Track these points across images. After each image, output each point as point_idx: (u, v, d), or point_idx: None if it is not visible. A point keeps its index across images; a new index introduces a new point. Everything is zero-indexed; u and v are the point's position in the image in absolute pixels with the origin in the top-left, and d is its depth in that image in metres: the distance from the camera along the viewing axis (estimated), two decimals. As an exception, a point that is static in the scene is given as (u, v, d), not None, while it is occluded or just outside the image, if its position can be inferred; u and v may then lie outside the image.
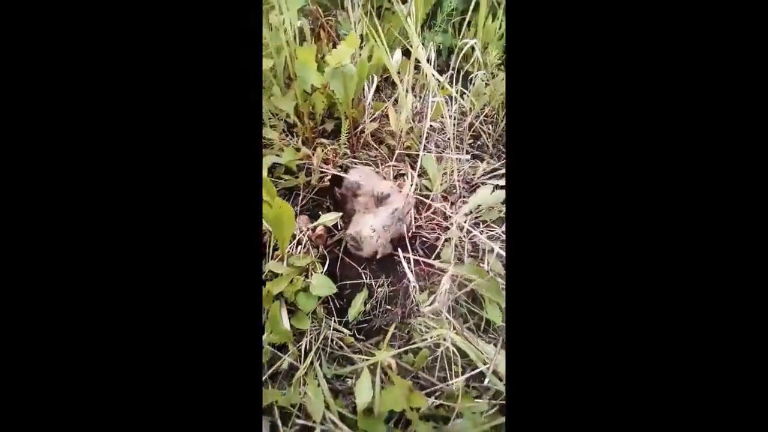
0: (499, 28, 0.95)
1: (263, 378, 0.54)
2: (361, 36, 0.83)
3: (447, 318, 0.59)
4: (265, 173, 0.69)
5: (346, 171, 0.75)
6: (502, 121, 0.88)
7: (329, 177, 0.77)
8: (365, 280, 0.66)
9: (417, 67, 0.81)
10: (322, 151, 0.78)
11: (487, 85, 0.89)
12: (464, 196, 0.76)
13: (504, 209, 0.72)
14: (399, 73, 0.79)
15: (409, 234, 0.70)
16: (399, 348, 0.57)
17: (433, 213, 0.74)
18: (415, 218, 0.72)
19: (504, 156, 0.84)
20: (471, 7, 0.91)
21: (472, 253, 0.68)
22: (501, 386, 0.52)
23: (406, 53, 0.88)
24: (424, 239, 0.71)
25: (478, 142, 0.88)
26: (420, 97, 0.88)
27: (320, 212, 0.73)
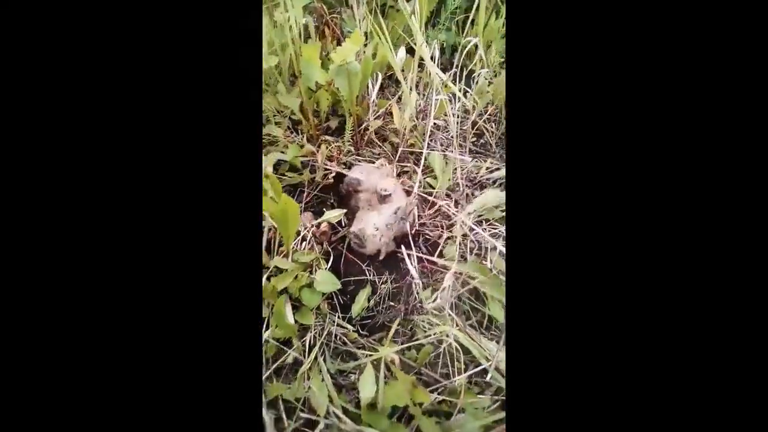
0: (502, 26, 0.95)
1: (268, 372, 0.55)
2: (366, 33, 0.83)
3: (450, 315, 0.59)
4: (270, 170, 0.70)
5: (350, 168, 0.75)
6: (504, 119, 0.88)
7: (333, 174, 0.78)
8: (369, 277, 0.67)
9: (421, 65, 0.81)
10: (327, 148, 0.79)
11: (490, 83, 0.89)
12: (468, 194, 0.77)
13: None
14: (403, 70, 0.79)
15: (413, 231, 0.70)
16: (402, 344, 0.58)
17: (436, 211, 0.74)
18: (418, 216, 0.73)
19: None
20: (475, 5, 0.91)
21: (475, 252, 0.68)
22: (503, 382, 0.53)
23: (410, 51, 0.88)
24: (428, 236, 0.72)
25: (482, 140, 0.88)
26: (423, 95, 0.89)
27: (324, 209, 0.74)
